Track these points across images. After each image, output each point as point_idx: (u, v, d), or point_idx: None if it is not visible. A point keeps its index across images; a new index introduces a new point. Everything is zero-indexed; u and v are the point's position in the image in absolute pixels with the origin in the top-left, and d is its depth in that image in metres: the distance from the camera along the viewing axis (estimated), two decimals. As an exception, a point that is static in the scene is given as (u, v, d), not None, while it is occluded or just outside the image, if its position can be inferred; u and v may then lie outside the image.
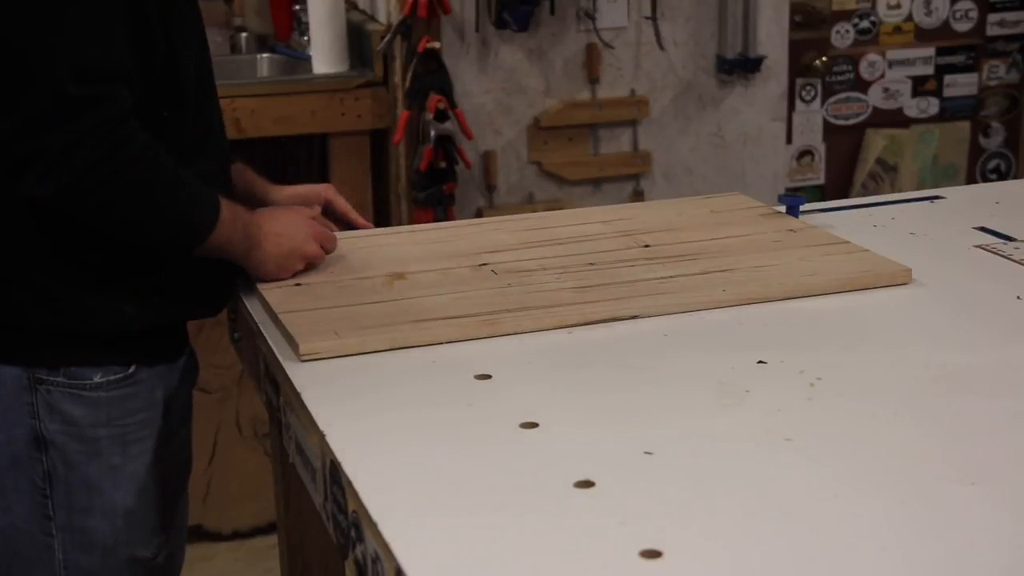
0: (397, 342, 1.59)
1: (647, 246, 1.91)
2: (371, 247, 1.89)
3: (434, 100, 3.07)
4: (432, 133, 3.08)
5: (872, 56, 3.68)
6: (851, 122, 3.72)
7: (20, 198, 1.52)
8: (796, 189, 3.66)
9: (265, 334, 1.64)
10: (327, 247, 1.79)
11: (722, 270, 1.80)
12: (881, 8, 3.66)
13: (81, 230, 1.56)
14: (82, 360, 1.60)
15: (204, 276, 1.69)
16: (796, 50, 3.56)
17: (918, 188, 3.64)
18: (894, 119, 3.74)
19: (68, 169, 1.48)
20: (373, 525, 1.19)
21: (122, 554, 1.66)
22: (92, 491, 1.62)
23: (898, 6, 3.68)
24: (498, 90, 3.26)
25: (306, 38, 3.39)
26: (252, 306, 1.73)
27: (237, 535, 3.30)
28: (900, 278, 1.79)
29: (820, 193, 3.69)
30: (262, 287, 1.74)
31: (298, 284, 1.75)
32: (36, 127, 1.47)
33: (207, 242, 1.61)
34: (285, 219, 1.76)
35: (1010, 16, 3.76)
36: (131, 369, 1.62)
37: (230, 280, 1.75)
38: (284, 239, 1.73)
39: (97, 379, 1.60)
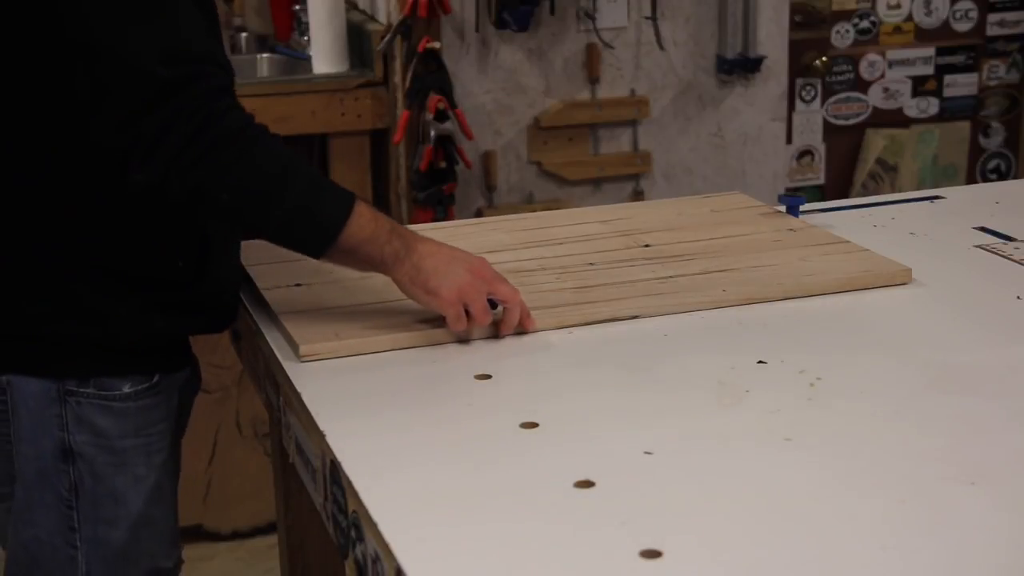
0: (397, 343, 1.59)
1: (647, 246, 1.91)
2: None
3: (434, 100, 3.07)
4: (432, 133, 3.08)
5: (872, 56, 3.68)
6: (851, 122, 3.72)
7: (132, 191, 1.48)
8: (796, 189, 3.66)
9: (265, 334, 1.64)
10: (503, 296, 1.59)
11: (722, 270, 1.80)
12: (881, 8, 3.66)
13: (111, 239, 1.54)
14: (110, 370, 1.57)
15: (225, 291, 1.67)
16: (796, 50, 3.56)
17: (918, 188, 3.64)
18: (894, 119, 3.74)
19: (162, 151, 1.44)
20: (373, 525, 1.19)
21: (144, 565, 1.65)
22: (118, 502, 1.61)
23: (898, 6, 3.68)
24: (498, 90, 3.26)
25: (306, 38, 3.39)
26: (252, 306, 1.73)
27: (237, 535, 3.29)
28: (900, 278, 1.79)
29: (820, 193, 3.69)
30: (262, 287, 1.74)
31: (298, 284, 1.75)
32: (132, 116, 1.44)
33: (343, 240, 1.51)
34: (441, 242, 1.62)
35: (1010, 16, 3.76)
36: (155, 379, 1.61)
37: (238, 296, 1.73)
38: (445, 247, 1.59)
39: (126, 389, 1.58)
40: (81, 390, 1.57)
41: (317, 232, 1.52)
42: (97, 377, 1.57)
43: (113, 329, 1.56)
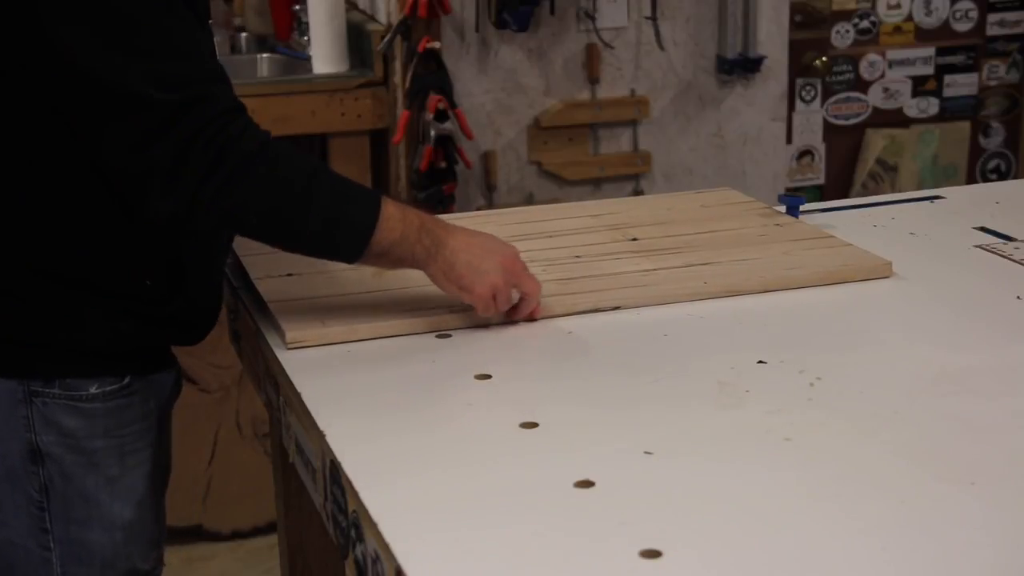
0: (384, 331, 1.60)
1: (635, 239, 1.92)
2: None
3: (434, 100, 3.07)
4: (432, 133, 3.08)
5: (872, 56, 3.68)
6: (851, 122, 3.72)
7: (152, 223, 1.48)
8: (796, 189, 3.66)
9: (263, 332, 1.64)
10: (528, 290, 1.63)
11: (705, 263, 1.81)
12: (881, 8, 3.66)
13: (78, 253, 1.53)
14: (77, 372, 1.57)
15: (197, 313, 1.65)
16: (796, 50, 3.56)
17: (918, 188, 3.64)
18: (894, 119, 3.74)
19: (185, 178, 1.42)
20: (373, 525, 1.19)
21: (121, 567, 1.64)
22: (90, 503, 1.60)
23: (898, 6, 3.68)
24: (498, 90, 3.26)
25: (306, 38, 3.38)
26: (251, 306, 1.73)
27: (237, 535, 3.29)
28: (880, 271, 1.80)
29: (820, 193, 3.69)
30: (255, 277, 1.75)
31: (289, 275, 1.75)
32: (138, 143, 1.43)
33: (374, 244, 1.52)
34: (472, 230, 1.63)
35: (1010, 16, 3.76)
36: (126, 380, 1.60)
37: (217, 314, 1.72)
38: (476, 239, 1.60)
39: (93, 390, 1.57)
40: (47, 390, 1.55)
41: (347, 242, 1.53)
42: (63, 378, 1.56)
43: (78, 331, 1.55)
